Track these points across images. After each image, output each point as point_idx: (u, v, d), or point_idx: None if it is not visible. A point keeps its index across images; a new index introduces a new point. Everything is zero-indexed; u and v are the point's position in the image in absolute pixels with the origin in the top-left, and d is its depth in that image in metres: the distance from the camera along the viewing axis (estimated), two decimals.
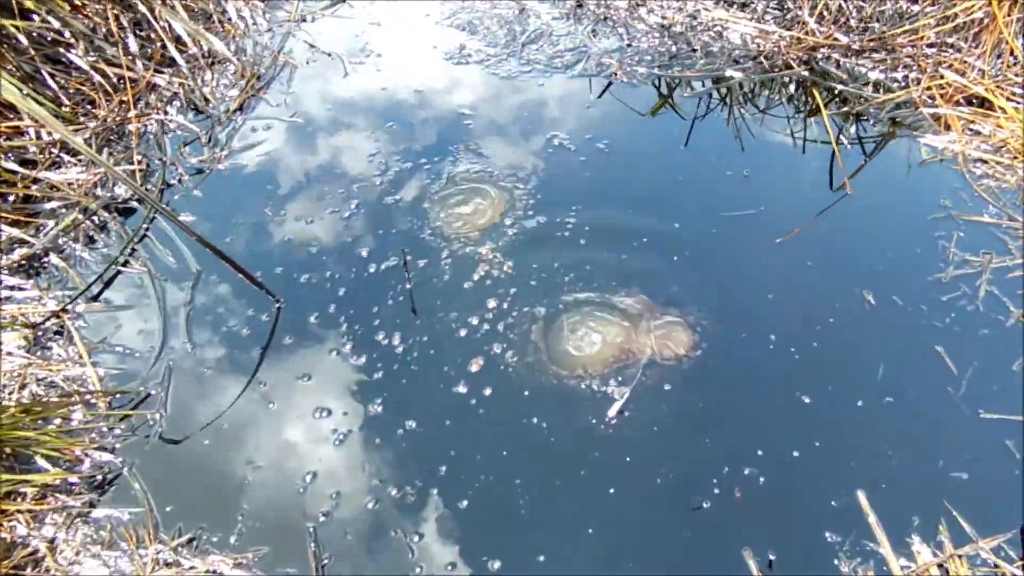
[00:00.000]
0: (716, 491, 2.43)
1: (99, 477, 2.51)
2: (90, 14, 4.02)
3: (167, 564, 2.31)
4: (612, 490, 2.44)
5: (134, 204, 3.44)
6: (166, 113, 3.84)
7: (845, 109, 3.85)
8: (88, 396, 2.69)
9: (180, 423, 2.64)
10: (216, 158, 3.64)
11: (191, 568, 2.30)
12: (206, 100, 3.94)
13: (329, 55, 4.27)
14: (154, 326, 2.94)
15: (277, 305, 2.99)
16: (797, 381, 2.71)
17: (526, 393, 2.69)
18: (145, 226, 3.32)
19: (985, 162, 3.50)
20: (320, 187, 3.48)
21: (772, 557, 2.29)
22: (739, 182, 3.48)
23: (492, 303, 2.96)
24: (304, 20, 4.55)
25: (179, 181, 3.54)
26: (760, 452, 2.52)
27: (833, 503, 2.40)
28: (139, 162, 3.59)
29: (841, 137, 3.71)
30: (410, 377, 2.75)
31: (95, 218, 3.34)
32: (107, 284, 3.11)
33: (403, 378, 2.74)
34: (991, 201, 3.31)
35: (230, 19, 4.42)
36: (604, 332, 2.86)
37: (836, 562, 2.28)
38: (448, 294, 3.01)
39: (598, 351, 2.81)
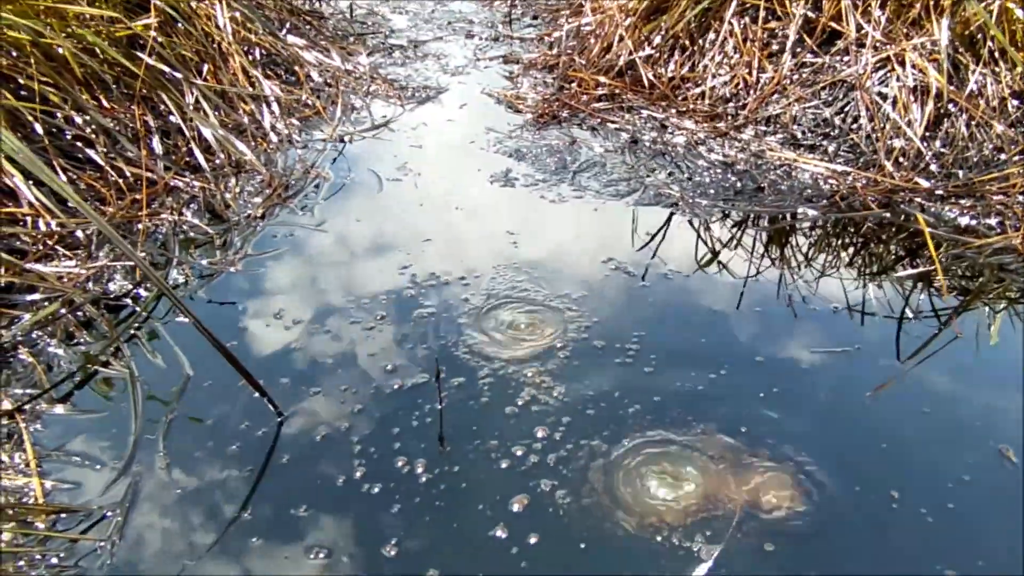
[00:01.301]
0: None
1: None
2: (117, 114, 3.78)
3: None
4: None
5: (127, 302, 2.98)
6: (180, 215, 3.48)
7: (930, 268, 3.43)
8: (25, 513, 2.10)
9: (137, 557, 2.03)
10: (229, 261, 3.23)
11: None
12: (227, 205, 3.59)
13: (367, 171, 3.97)
14: (127, 437, 2.39)
15: (279, 419, 2.44)
16: (937, 550, 2.09)
17: (582, 545, 2.07)
18: (136, 325, 2.85)
19: None
20: (342, 297, 3.02)
21: None
22: (827, 315, 3.00)
23: (540, 432, 2.40)
24: (343, 141, 4.31)
25: (185, 283, 3.10)
26: None
27: None
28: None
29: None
30: (435, 515, 2.15)
31: (80, 314, 2.88)
32: (80, 384, 2.60)
33: (426, 515, 2.14)
34: None
35: (264, 134, 4.18)
36: (683, 475, 2.28)
37: None
38: (486, 419, 2.46)
39: (676, 497, 2.21)
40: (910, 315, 3.05)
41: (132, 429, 2.41)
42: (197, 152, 3.80)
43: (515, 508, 2.16)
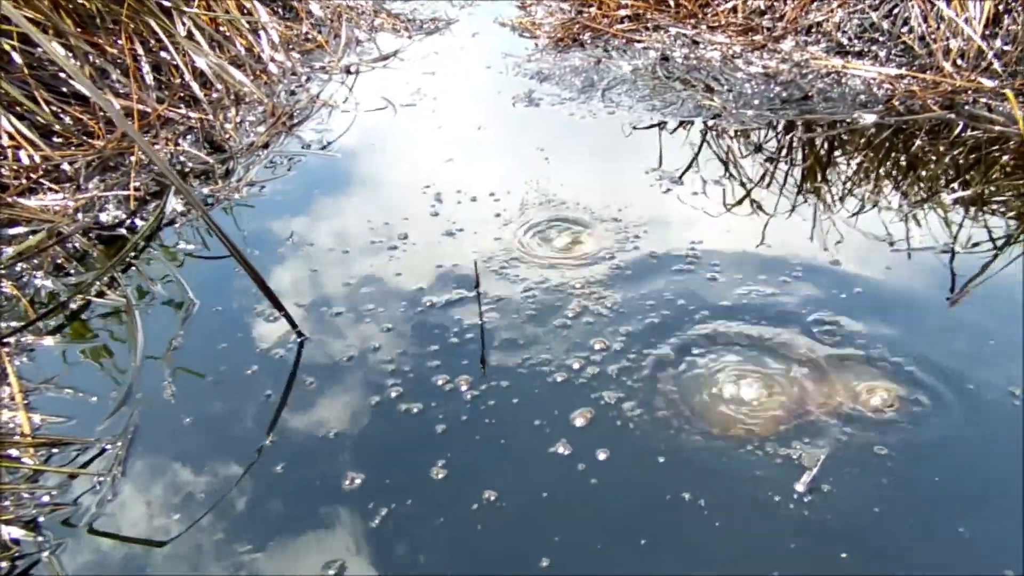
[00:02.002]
0: None
1: (2, 565, 1.58)
2: (104, 47, 3.46)
3: None
4: None
5: (122, 232, 2.68)
6: (177, 145, 3.16)
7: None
8: (9, 447, 1.81)
9: (143, 492, 1.73)
10: (232, 188, 2.91)
11: None
12: (227, 136, 3.28)
13: (378, 99, 3.65)
14: (126, 367, 2.08)
15: (299, 340, 2.14)
16: None
17: (662, 459, 1.76)
18: (133, 254, 2.55)
19: None
20: (359, 219, 2.71)
21: None
22: (895, 220, 2.68)
23: (597, 344, 2.09)
24: (349, 72, 3.98)
25: (185, 212, 2.79)
26: None
27: None
28: (136, 189, 2.86)
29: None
30: (486, 433, 1.84)
31: (70, 246, 2.57)
32: (73, 316, 2.30)
33: (475, 434, 1.84)
34: None
35: (264, 67, 3.86)
36: (769, 378, 1.97)
37: None
38: (534, 332, 2.15)
39: (764, 403, 1.90)
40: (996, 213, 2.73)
41: (131, 359, 2.10)
42: (193, 83, 3.48)
43: (578, 423, 1.85)
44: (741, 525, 1.60)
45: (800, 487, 1.66)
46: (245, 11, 4.08)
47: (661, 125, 3.35)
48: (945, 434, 1.81)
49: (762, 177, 2.97)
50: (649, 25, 4.22)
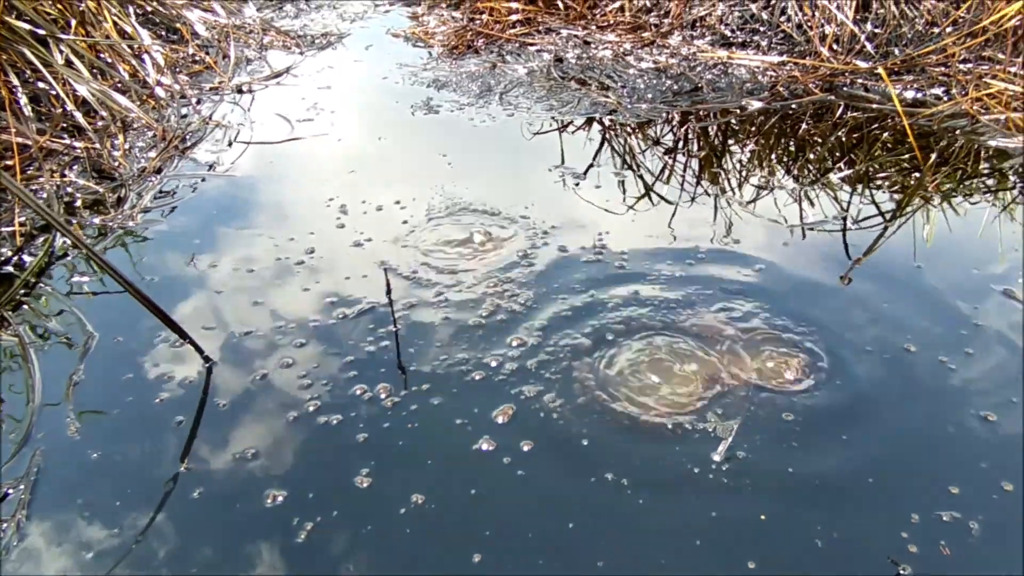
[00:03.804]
0: (912, 548, 1.52)
1: None
2: None
3: None
4: (752, 564, 1.50)
5: (8, 270, 2.55)
6: (63, 176, 3.03)
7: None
8: None
9: (51, 535, 1.64)
10: (126, 216, 2.81)
11: None
12: (116, 163, 3.16)
13: (273, 116, 3.59)
14: (23, 407, 1.98)
15: (206, 365, 2.07)
16: (968, 394, 1.88)
17: (585, 443, 1.79)
18: (23, 291, 2.42)
19: None
20: (263, 236, 2.65)
21: None
22: (791, 197, 2.80)
23: (514, 340, 2.11)
24: (241, 91, 3.90)
25: (74, 245, 2.67)
26: (954, 489, 1.64)
27: None
28: (21, 224, 2.73)
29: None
30: (409, 438, 1.82)
31: None
32: None
33: (399, 440, 1.82)
34: None
35: (150, 91, 3.74)
36: (681, 358, 2.02)
37: None
38: (449, 333, 2.15)
39: (679, 381, 1.95)
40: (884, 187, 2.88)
41: (28, 398, 2.00)
42: (76, 112, 3.35)
43: (500, 420, 1.86)
44: (664, 498, 1.63)
45: (716, 457, 1.71)
46: (126, 35, 3.95)
47: (562, 125, 3.40)
48: (846, 396, 1.89)
49: (662, 169, 3.05)
50: (541, 28, 4.28)
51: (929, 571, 1.48)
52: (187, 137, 3.38)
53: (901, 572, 1.47)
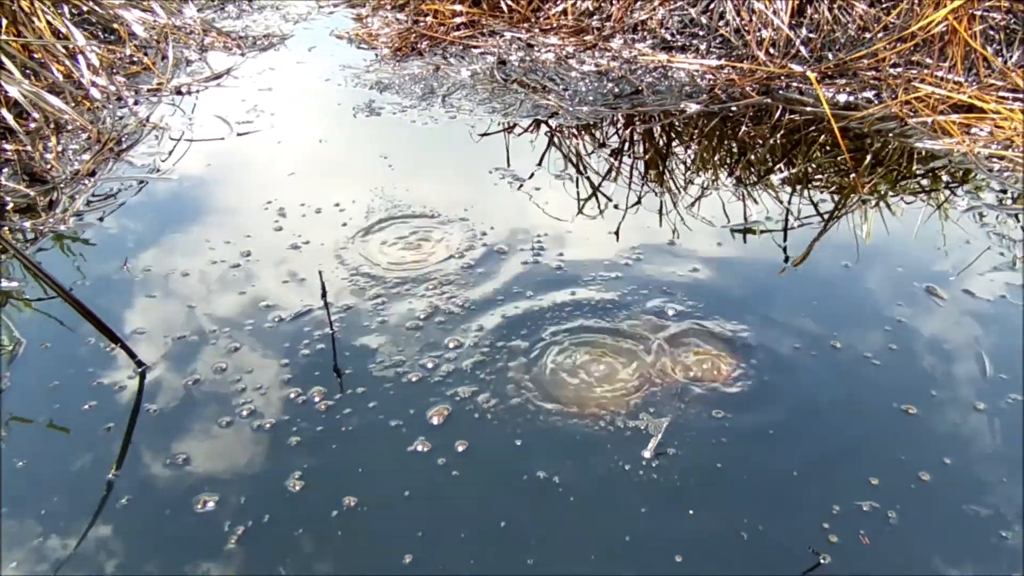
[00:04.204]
0: (833, 538, 1.56)
1: None
2: None
3: None
4: (679, 559, 1.53)
5: None
6: None
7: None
8: None
9: None
10: (58, 220, 2.75)
11: None
12: (48, 166, 3.09)
13: (212, 118, 3.54)
14: None
15: (140, 370, 2.04)
16: (890, 388, 1.95)
17: (518, 443, 1.80)
18: None
19: (1001, 158, 3.01)
20: (199, 240, 2.62)
21: None
22: (731, 198, 2.85)
23: (451, 341, 2.11)
24: (180, 93, 3.84)
25: (3, 251, 2.61)
26: (874, 480, 1.69)
27: (1004, 534, 1.57)
28: None
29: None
30: (343, 441, 1.82)
31: None
32: None
33: (332, 443, 1.81)
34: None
35: (85, 93, 3.66)
36: (616, 356, 2.05)
37: None
38: (386, 335, 2.15)
39: (612, 380, 1.97)
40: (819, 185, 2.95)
41: None
42: (6, 114, 3.26)
43: (435, 421, 1.86)
44: (595, 495, 1.66)
45: (647, 453, 1.74)
46: (60, 35, 3.86)
47: (506, 127, 3.41)
48: (774, 393, 1.94)
49: (606, 172, 3.09)
50: (485, 31, 4.30)
51: (849, 560, 1.52)
52: (123, 139, 3.32)
53: (822, 562, 1.51)
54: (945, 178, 3.02)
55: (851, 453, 1.78)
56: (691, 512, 1.62)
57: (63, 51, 3.75)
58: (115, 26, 4.34)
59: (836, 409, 1.91)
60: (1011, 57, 3.53)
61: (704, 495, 1.66)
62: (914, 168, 3.10)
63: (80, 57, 3.71)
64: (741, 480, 1.70)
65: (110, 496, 1.69)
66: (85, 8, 4.26)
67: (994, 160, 3.00)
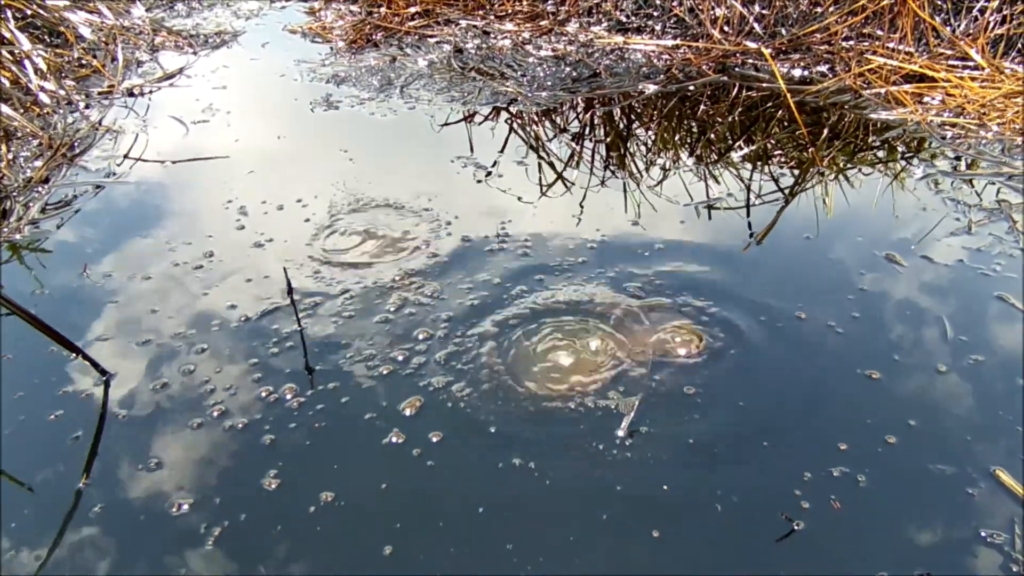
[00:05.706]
0: (805, 504, 1.59)
1: None
2: None
3: None
4: (656, 533, 1.55)
5: None
6: None
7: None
8: None
9: None
10: (13, 229, 2.69)
11: None
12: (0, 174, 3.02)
13: (166, 119, 3.48)
14: None
15: (104, 378, 2.01)
16: (854, 355, 1.98)
17: (492, 430, 1.81)
18: None
19: (953, 126, 3.07)
20: (159, 243, 2.58)
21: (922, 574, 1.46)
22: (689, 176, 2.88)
23: (421, 333, 2.11)
24: (132, 95, 3.77)
25: None
26: (843, 445, 1.72)
27: (970, 491, 1.62)
28: None
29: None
30: (317, 437, 1.81)
31: None
32: None
33: (306, 439, 1.81)
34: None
35: (34, 98, 3.58)
36: (585, 338, 2.06)
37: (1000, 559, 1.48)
38: (356, 330, 2.14)
39: (582, 362, 1.99)
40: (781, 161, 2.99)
41: None
42: None
43: (407, 413, 1.86)
44: (570, 477, 1.67)
45: (620, 432, 1.75)
46: (5, 41, 3.77)
47: (467, 116, 3.40)
48: (743, 365, 1.97)
49: (568, 157, 3.09)
50: (440, 20, 4.27)
51: (822, 525, 1.55)
52: (76, 144, 3.25)
53: (795, 528, 1.54)
54: (900, 148, 3.07)
55: (819, 420, 1.81)
56: (665, 488, 1.64)
57: (9, 57, 3.66)
58: (61, 29, 4.24)
59: (803, 378, 1.94)
60: (959, 26, 3.58)
61: (676, 469, 1.68)
62: (870, 139, 3.15)
63: (27, 62, 3.63)
64: (712, 452, 1.73)
65: (80, 505, 1.66)
66: (29, 12, 4.16)
67: (947, 128, 3.05)
